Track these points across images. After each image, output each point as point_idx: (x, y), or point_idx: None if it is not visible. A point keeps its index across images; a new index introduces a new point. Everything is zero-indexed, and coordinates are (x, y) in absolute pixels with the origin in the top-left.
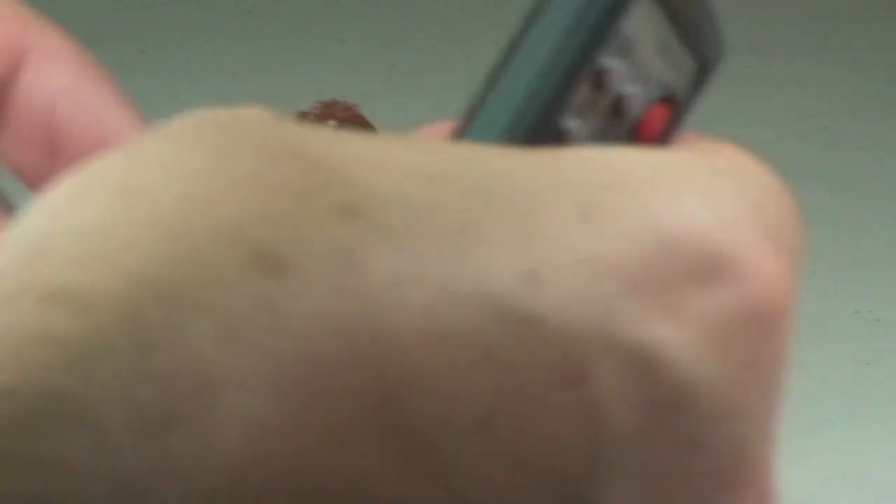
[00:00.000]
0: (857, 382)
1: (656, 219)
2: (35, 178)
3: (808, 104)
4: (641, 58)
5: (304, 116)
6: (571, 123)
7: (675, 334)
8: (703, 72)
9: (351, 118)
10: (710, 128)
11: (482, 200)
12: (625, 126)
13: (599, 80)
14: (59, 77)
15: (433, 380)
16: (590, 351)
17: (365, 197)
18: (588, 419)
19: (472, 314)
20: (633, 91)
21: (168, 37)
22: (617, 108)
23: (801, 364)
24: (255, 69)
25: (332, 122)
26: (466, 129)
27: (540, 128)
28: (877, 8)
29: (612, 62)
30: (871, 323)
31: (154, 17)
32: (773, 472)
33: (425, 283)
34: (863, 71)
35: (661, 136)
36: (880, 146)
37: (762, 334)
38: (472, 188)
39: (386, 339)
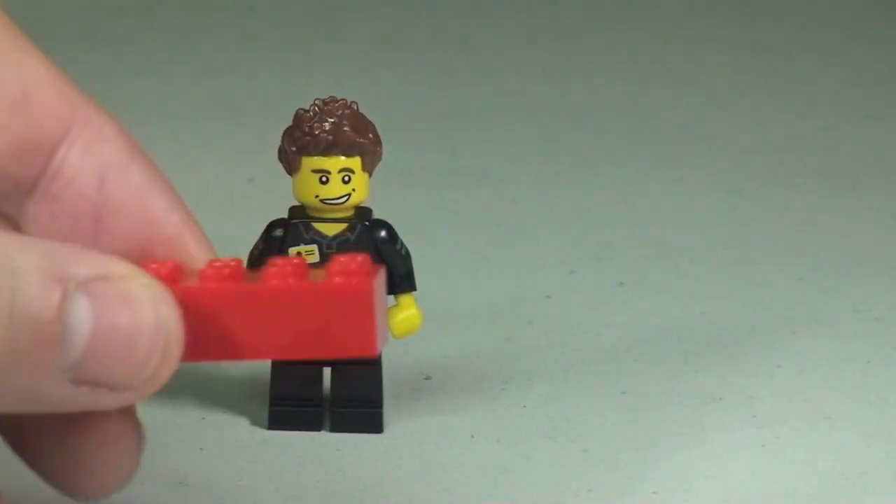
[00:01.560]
0: (857, 382)
1: None
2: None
3: (807, 104)
4: None
5: (303, 114)
6: None
7: None
8: None
9: (350, 116)
10: (710, 128)
11: None
12: None
13: None
14: (108, 153)
15: None
16: None
17: None
18: None
19: None
20: None
21: (168, 37)
22: None
23: (801, 363)
24: (255, 69)
25: (331, 120)
26: None
27: None
28: (877, 8)
29: None
30: (871, 322)
31: (154, 18)
32: None
33: None
34: (863, 71)
35: None
36: (880, 146)
37: None
38: None
39: None
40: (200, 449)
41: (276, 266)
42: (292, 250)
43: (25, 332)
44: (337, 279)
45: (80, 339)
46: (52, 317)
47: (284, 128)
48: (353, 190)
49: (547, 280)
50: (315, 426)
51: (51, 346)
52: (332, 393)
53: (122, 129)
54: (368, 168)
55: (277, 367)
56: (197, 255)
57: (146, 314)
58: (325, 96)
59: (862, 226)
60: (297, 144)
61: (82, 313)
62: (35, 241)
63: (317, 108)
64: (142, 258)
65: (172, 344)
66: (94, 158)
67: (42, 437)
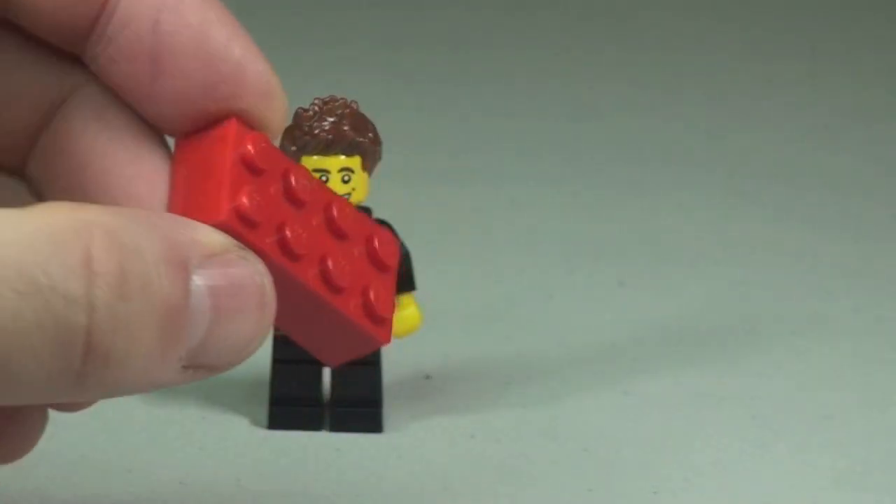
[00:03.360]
0: (857, 381)
1: None
2: (135, 95)
3: (808, 104)
4: None
5: (302, 113)
6: None
7: None
8: None
9: (350, 115)
10: (710, 127)
11: None
12: None
13: None
14: None
15: None
16: None
17: None
18: None
19: None
20: None
21: None
22: None
23: (801, 363)
24: None
25: (331, 119)
26: None
27: None
28: (876, 8)
29: None
30: (871, 322)
31: None
32: None
33: None
34: (862, 71)
35: None
36: (880, 146)
37: None
38: None
39: None
40: (200, 449)
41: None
42: None
43: (159, 321)
44: (368, 321)
45: (202, 326)
46: (183, 305)
47: (284, 127)
48: (353, 189)
49: (547, 280)
50: (315, 426)
51: (181, 333)
52: (332, 393)
53: None
54: (368, 167)
55: (277, 367)
56: (258, 92)
57: (252, 295)
58: (324, 95)
59: (862, 226)
60: (297, 144)
61: (203, 300)
62: (147, 219)
63: (317, 108)
64: (204, 105)
65: (270, 320)
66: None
67: None
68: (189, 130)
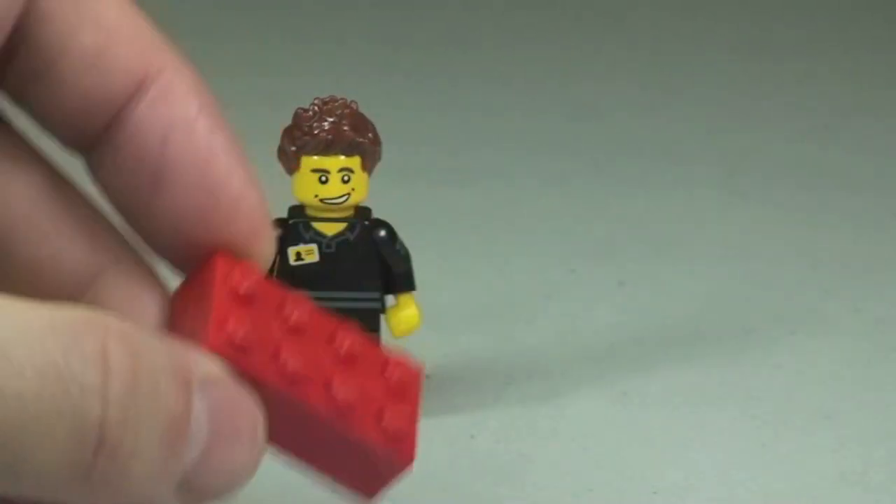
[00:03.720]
0: (857, 381)
1: None
2: (131, 206)
3: (807, 104)
4: None
5: (302, 113)
6: None
7: None
8: None
9: (349, 115)
10: (710, 127)
11: None
12: None
13: None
14: (175, 111)
15: None
16: None
17: None
18: None
19: None
20: None
21: (166, 35)
22: None
23: (801, 363)
24: (255, 69)
25: (330, 119)
26: None
27: None
28: (875, 8)
29: None
30: (871, 322)
31: (151, 17)
32: None
33: None
34: (863, 71)
35: None
36: (880, 146)
37: None
38: None
39: None
40: None
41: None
42: (291, 250)
43: (164, 428)
44: (381, 438)
45: (199, 446)
46: (186, 418)
47: (284, 127)
48: (353, 189)
49: (547, 280)
50: None
51: (182, 446)
52: None
53: (195, 83)
54: (368, 167)
55: None
56: (248, 227)
57: (247, 425)
58: (324, 95)
59: (862, 225)
60: (297, 144)
61: (202, 421)
62: (154, 333)
63: (316, 108)
64: (199, 235)
65: (261, 453)
66: (160, 115)
67: None
68: (175, 256)
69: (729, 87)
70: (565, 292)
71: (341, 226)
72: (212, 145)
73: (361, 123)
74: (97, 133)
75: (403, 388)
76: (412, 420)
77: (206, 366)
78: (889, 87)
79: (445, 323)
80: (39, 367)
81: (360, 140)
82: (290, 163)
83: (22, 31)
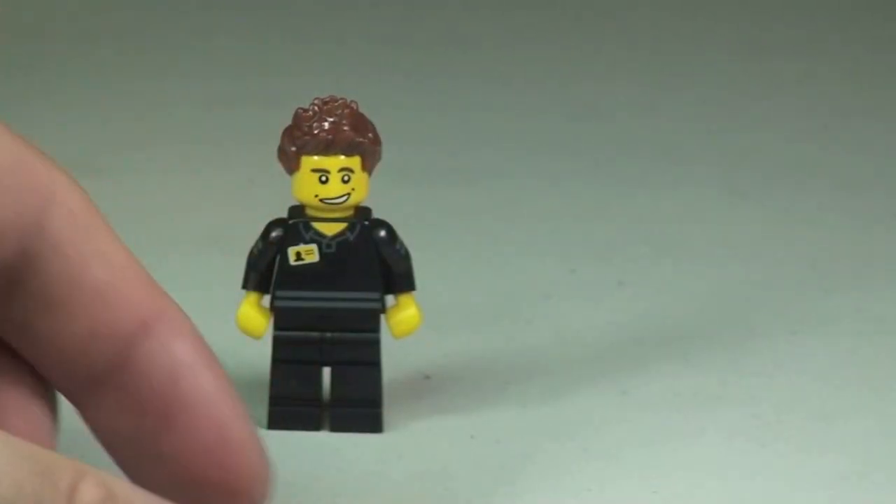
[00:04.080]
0: (857, 381)
1: None
2: (133, 450)
3: (807, 104)
4: None
5: (302, 113)
6: None
7: None
8: None
9: (349, 115)
10: (710, 127)
11: None
12: None
13: None
14: (183, 353)
15: None
16: None
17: None
18: None
19: None
20: None
21: (167, 36)
22: None
23: (801, 363)
24: (255, 69)
25: (330, 119)
26: None
27: None
28: (875, 8)
29: None
30: (871, 322)
31: (152, 17)
32: None
33: None
34: (862, 71)
35: None
36: (880, 146)
37: None
38: None
39: None
40: None
41: None
42: (291, 250)
43: None
44: None
45: None
46: None
47: (284, 127)
48: (353, 189)
49: (547, 280)
50: (315, 426)
51: None
52: (332, 393)
53: (195, 329)
54: (368, 167)
55: (277, 367)
56: (255, 470)
57: None
58: (324, 95)
59: (862, 225)
60: (297, 144)
61: None
62: (134, 490)
63: (316, 108)
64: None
65: None
66: (169, 356)
67: None
68: (180, 496)
69: (729, 87)
70: (565, 292)
71: (341, 226)
72: (219, 387)
73: (361, 123)
74: (100, 372)
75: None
76: None
77: None
78: (889, 87)
79: (445, 323)
80: (16, 481)
81: (360, 140)
82: (290, 163)
83: (30, 256)
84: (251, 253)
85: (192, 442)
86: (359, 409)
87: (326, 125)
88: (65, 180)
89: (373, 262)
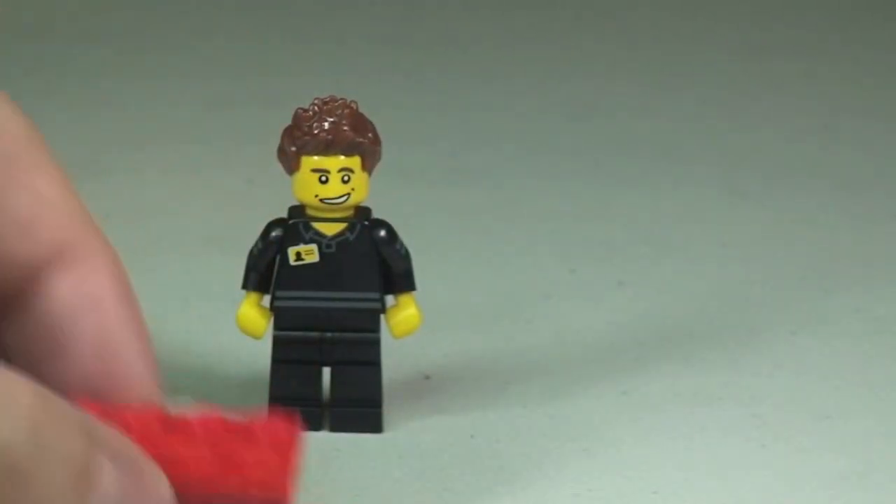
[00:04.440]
0: (857, 381)
1: None
2: (28, 364)
3: (807, 104)
4: None
5: (302, 113)
6: None
7: None
8: None
9: (349, 115)
10: (710, 127)
11: None
12: None
13: None
14: (89, 287)
15: None
16: None
17: None
18: None
19: None
20: None
21: (167, 36)
22: None
23: (801, 363)
24: (255, 69)
25: (330, 119)
26: None
27: None
28: (875, 8)
29: None
30: (871, 322)
31: (152, 17)
32: None
33: None
34: (863, 71)
35: None
36: (880, 145)
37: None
38: None
39: None
40: None
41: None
42: (291, 250)
43: (68, 476)
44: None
45: (109, 498)
46: (92, 468)
47: (284, 127)
48: (353, 189)
49: (547, 280)
50: (315, 426)
51: (89, 495)
52: (332, 393)
53: (114, 264)
54: (368, 167)
55: (276, 367)
56: (137, 396)
57: (153, 493)
58: (324, 95)
59: (862, 225)
60: (297, 144)
61: (111, 475)
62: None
63: (316, 108)
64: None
65: None
66: (74, 290)
67: None
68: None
69: (729, 87)
70: (565, 292)
71: (341, 226)
72: (118, 329)
73: (361, 123)
74: (8, 296)
75: (276, 446)
76: (283, 470)
77: (118, 439)
78: (889, 87)
79: (445, 323)
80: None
81: (360, 140)
82: (290, 163)
83: None
84: (251, 253)
85: (78, 371)
86: (359, 409)
87: (326, 125)
88: (7, 110)
89: (373, 262)
